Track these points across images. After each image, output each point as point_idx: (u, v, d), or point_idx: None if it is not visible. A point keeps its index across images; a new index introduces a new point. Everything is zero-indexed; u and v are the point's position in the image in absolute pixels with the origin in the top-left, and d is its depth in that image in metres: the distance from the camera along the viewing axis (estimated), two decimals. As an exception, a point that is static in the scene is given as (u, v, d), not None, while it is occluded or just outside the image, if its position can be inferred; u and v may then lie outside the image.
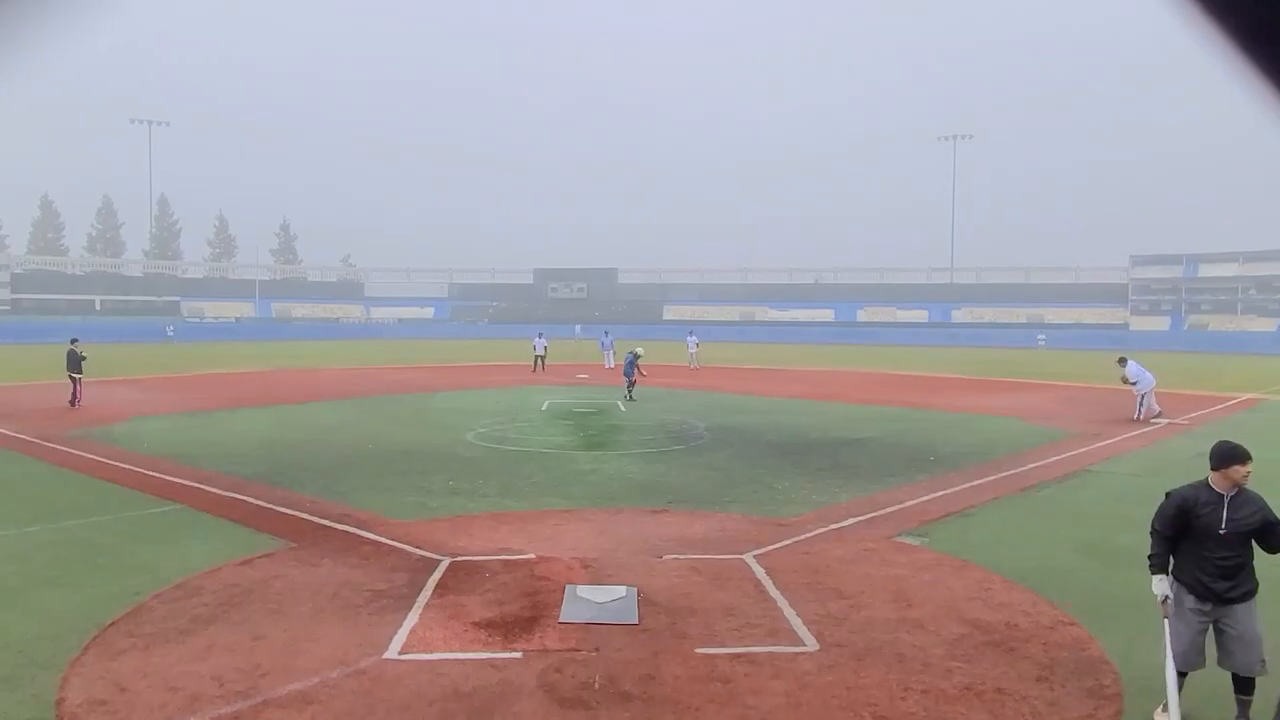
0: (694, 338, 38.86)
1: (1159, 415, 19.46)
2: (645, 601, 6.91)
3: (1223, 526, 4.79)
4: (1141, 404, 19.71)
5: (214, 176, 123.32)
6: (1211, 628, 4.91)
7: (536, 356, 34.00)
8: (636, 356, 24.39)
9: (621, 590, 7.15)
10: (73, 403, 20.67)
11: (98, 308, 76.84)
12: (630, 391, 23.87)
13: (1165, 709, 4.76)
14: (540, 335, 35.17)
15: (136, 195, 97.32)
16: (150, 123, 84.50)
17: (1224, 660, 4.89)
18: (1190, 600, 4.91)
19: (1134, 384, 19.75)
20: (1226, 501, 4.84)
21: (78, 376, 21.20)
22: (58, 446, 14.76)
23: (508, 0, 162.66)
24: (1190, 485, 5.02)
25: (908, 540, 9.03)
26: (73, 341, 21.87)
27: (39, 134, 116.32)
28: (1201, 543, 4.86)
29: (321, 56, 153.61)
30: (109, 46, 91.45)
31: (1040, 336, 66.43)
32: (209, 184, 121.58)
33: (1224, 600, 4.82)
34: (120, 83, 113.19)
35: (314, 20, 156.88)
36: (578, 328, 72.65)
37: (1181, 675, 4.83)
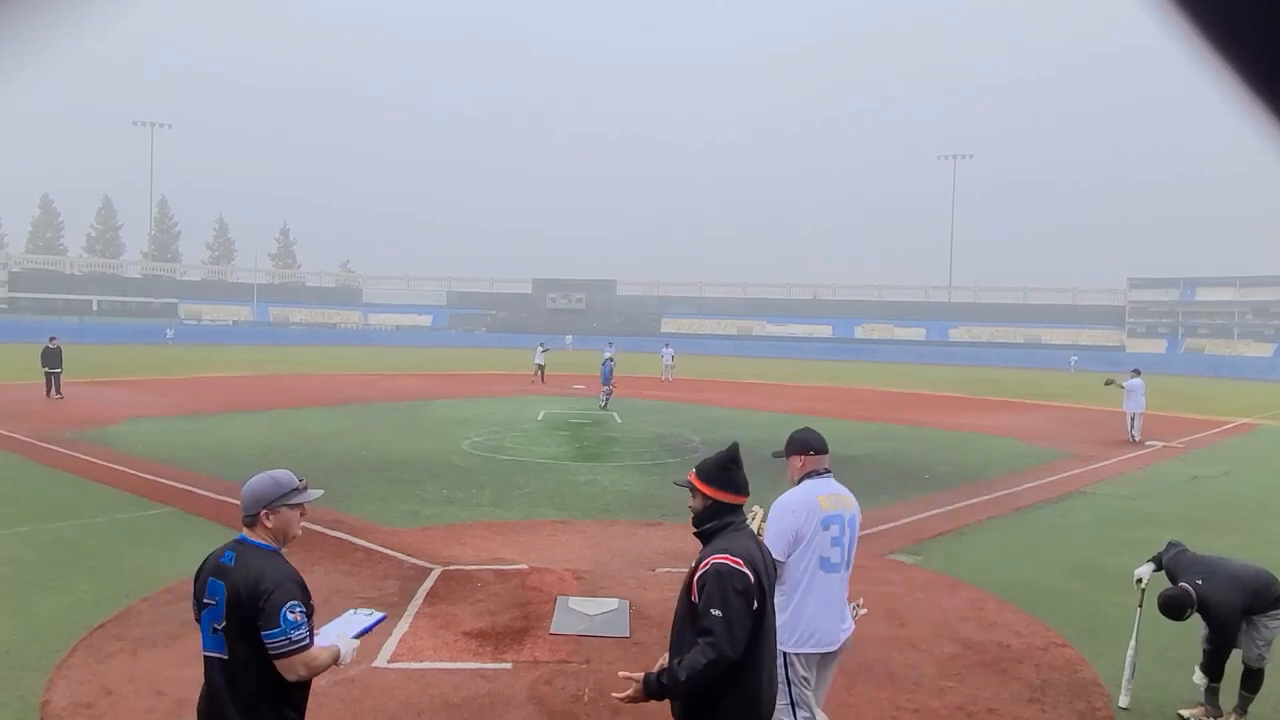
0: (669, 350, 38.70)
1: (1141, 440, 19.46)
2: (637, 614, 6.89)
3: None
4: (1133, 424, 19.81)
5: (215, 180, 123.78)
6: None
7: (538, 366, 33.95)
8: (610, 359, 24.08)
9: (613, 603, 7.12)
10: (54, 394, 22.33)
11: (95, 308, 76.76)
12: (606, 401, 23.63)
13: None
14: (542, 345, 34.89)
15: (137, 197, 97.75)
16: (153, 125, 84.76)
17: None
18: None
19: (1127, 393, 19.90)
20: None
21: (54, 371, 22.68)
22: (51, 447, 14.70)
23: (509, 14, 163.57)
24: None
25: (901, 558, 9.01)
26: (50, 340, 23.44)
27: (40, 134, 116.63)
28: None
29: (324, 65, 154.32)
30: (112, 49, 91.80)
31: (1073, 358, 64.86)
32: (209, 187, 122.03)
33: None
34: (124, 85, 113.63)
35: (317, 28, 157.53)
36: (568, 338, 72.24)
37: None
